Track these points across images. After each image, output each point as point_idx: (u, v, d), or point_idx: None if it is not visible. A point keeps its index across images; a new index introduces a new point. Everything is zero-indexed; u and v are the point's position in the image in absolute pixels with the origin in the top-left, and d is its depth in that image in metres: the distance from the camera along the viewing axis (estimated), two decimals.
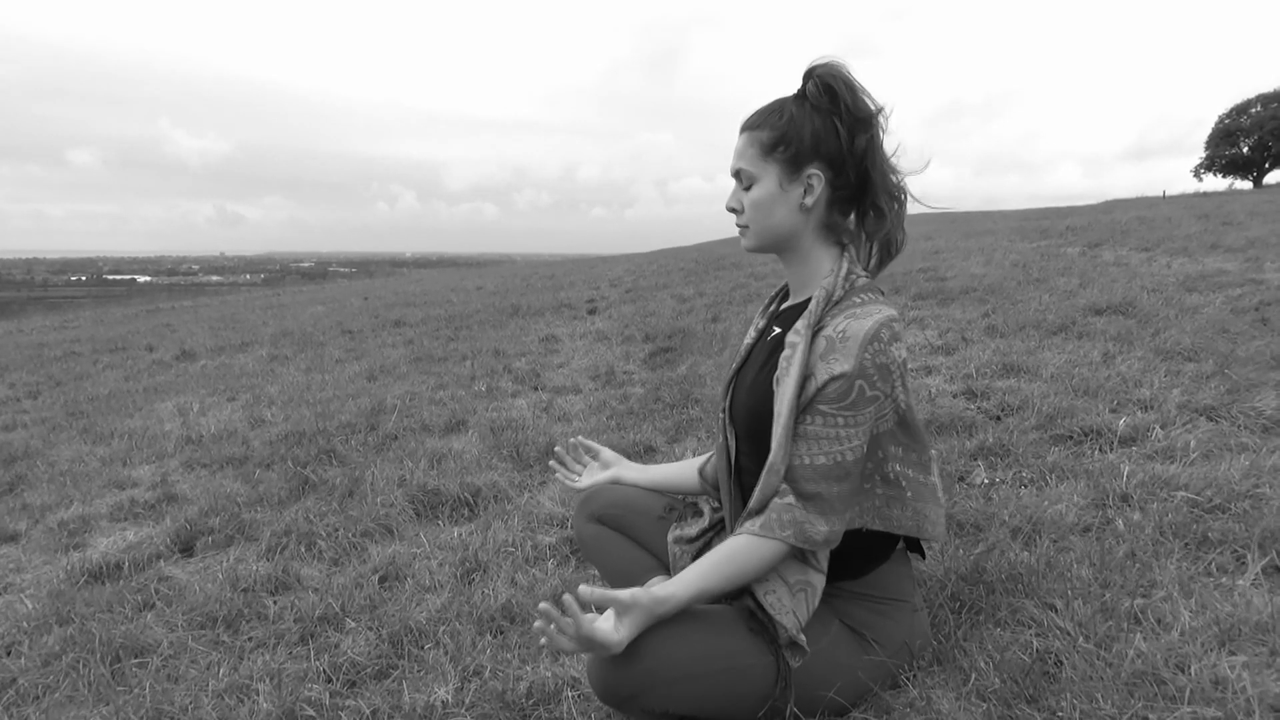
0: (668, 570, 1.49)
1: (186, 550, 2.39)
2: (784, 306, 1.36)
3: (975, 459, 2.29)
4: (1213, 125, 44.04)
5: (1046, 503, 1.89)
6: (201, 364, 6.14)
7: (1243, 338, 3.23)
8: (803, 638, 1.19)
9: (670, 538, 1.50)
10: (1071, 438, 2.35)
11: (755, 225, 1.27)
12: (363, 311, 8.94)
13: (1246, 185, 40.70)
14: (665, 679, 1.15)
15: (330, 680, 1.56)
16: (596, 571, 1.82)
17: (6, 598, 2.20)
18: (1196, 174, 45.29)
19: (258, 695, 1.51)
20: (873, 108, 1.21)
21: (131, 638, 1.79)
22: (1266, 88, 42.32)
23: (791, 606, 1.19)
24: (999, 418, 2.63)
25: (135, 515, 2.75)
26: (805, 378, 1.18)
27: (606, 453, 1.69)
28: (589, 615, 1.10)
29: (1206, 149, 44.47)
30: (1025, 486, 2.06)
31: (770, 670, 1.19)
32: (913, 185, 1.27)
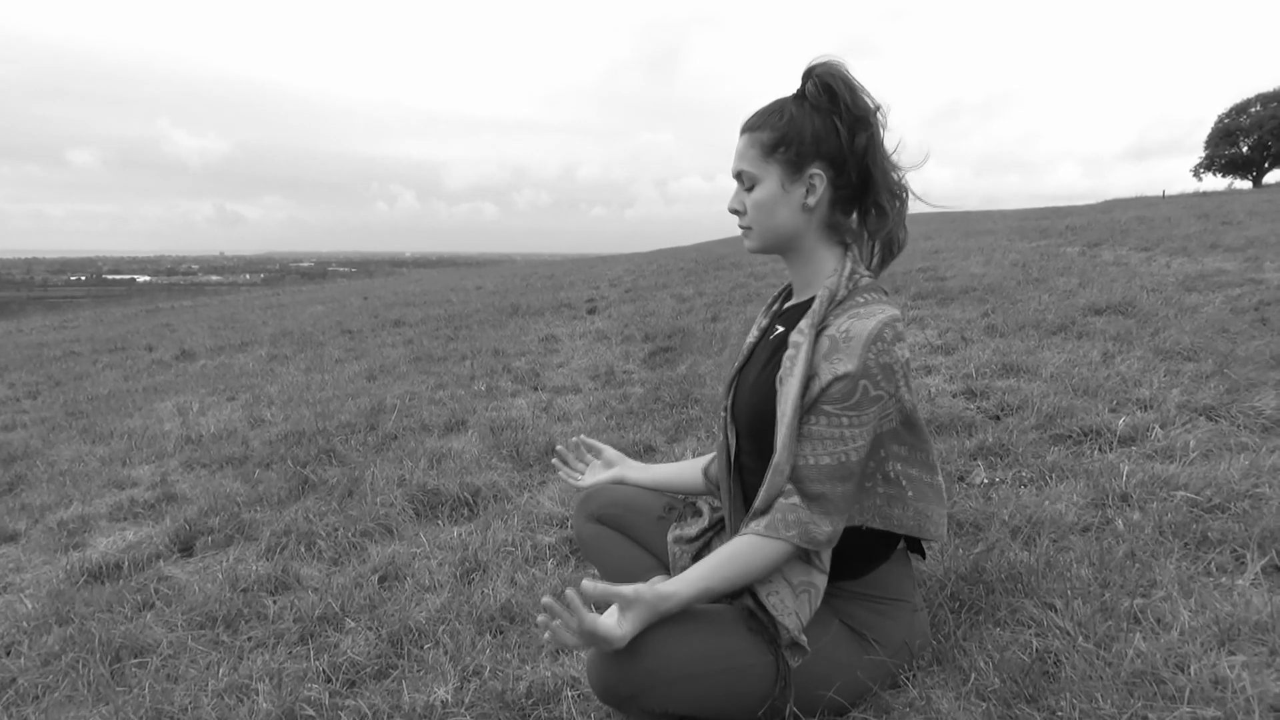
0: (667, 570, 1.49)
1: (186, 550, 2.39)
2: (787, 305, 1.37)
3: (975, 459, 2.29)
4: (1212, 125, 44.08)
5: (1046, 502, 1.89)
6: (201, 364, 6.14)
7: (1242, 337, 3.23)
8: (804, 638, 1.19)
9: (670, 537, 1.50)
10: (1071, 437, 2.35)
11: (758, 226, 1.27)
12: (362, 311, 8.94)
13: (1246, 185, 40.71)
14: (665, 679, 1.15)
15: (330, 680, 1.56)
16: (596, 571, 1.82)
17: (6, 597, 2.19)
18: (1196, 174, 45.31)
19: (257, 695, 1.51)
20: (872, 105, 1.21)
21: (131, 637, 1.79)
22: (1266, 87, 42.39)
23: (794, 608, 1.19)
24: (998, 417, 2.64)
25: (135, 515, 2.75)
26: (809, 378, 1.18)
27: (609, 451, 1.69)
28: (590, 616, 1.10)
29: (1206, 149, 44.49)
30: (1025, 486, 2.06)
31: (770, 670, 1.19)
32: (912, 185, 1.27)
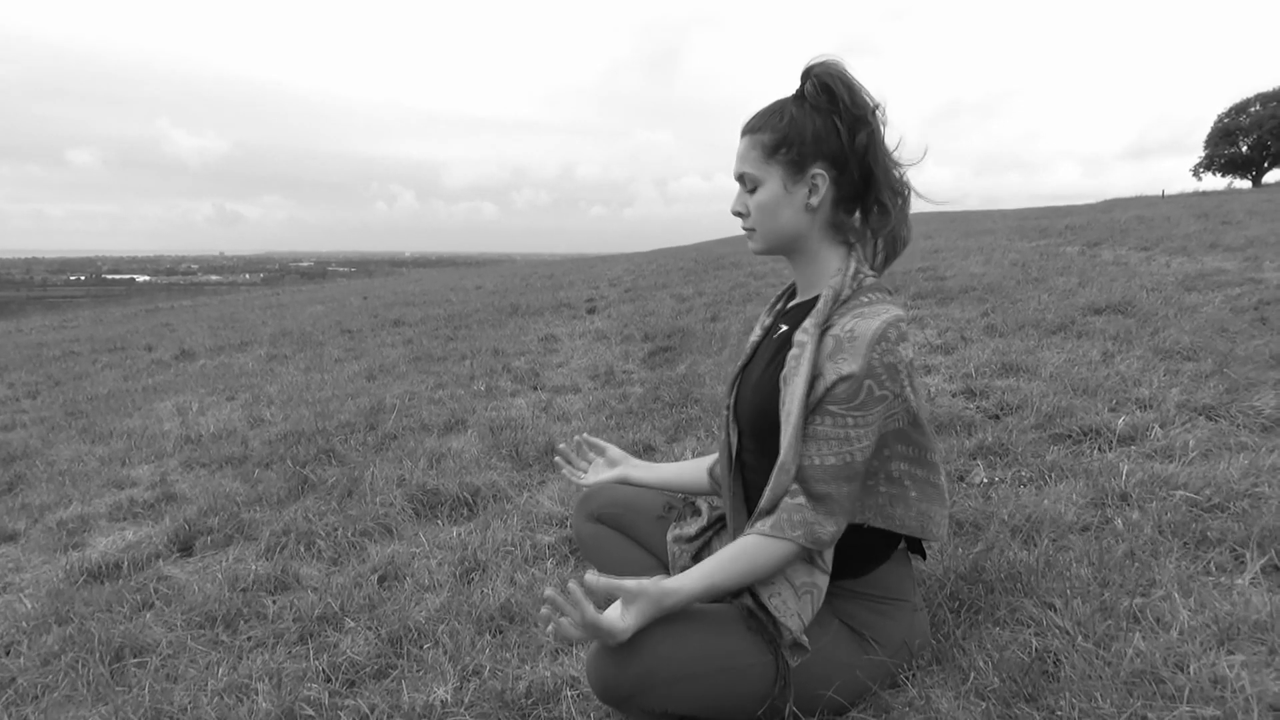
0: (667, 570, 1.49)
1: (185, 550, 2.39)
2: (791, 304, 1.37)
3: (974, 458, 2.29)
4: (1212, 124, 44.09)
5: (1045, 502, 1.89)
6: (200, 363, 6.13)
7: (1241, 337, 3.23)
8: (805, 639, 1.19)
9: (669, 537, 1.50)
10: (1070, 437, 2.35)
11: (762, 228, 1.27)
12: (362, 311, 8.94)
13: (1245, 184, 40.72)
14: (664, 678, 1.15)
15: (329, 680, 1.56)
16: (596, 570, 1.82)
17: (6, 597, 2.19)
18: (1195, 173, 45.32)
19: (257, 695, 1.51)
20: (870, 103, 1.21)
21: (130, 637, 1.79)
22: (1265, 87, 42.39)
23: (797, 609, 1.19)
24: (998, 417, 2.64)
25: (134, 515, 2.75)
26: (814, 377, 1.18)
27: (613, 450, 1.68)
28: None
29: (1205, 148, 44.50)
30: (1024, 486, 2.06)
31: (769, 669, 1.19)
32: (913, 184, 1.27)
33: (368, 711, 1.43)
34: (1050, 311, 4.11)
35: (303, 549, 2.24)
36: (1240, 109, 42.60)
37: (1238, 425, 2.27)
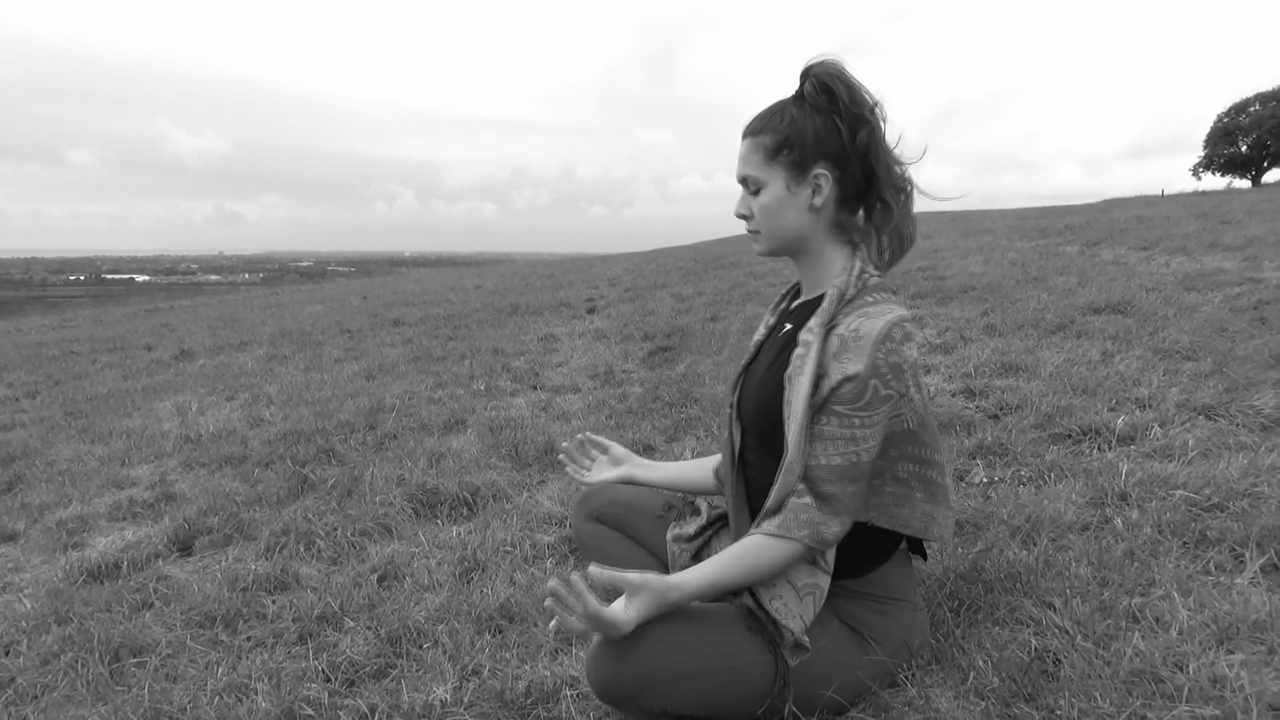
0: (666, 569, 1.49)
1: (185, 550, 2.39)
2: (795, 304, 1.37)
3: (974, 458, 2.29)
4: (1211, 124, 44.12)
5: (1045, 501, 1.89)
6: (200, 363, 6.13)
7: (1241, 336, 3.24)
8: (806, 639, 1.19)
9: (669, 536, 1.50)
10: (1070, 436, 2.35)
11: (766, 230, 1.27)
12: (361, 311, 8.94)
13: (1245, 184, 40.74)
14: (664, 678, 1.15)
15: (329, 679, 1.56)
16: None
17: (5, 597, 2.19)
18: (1195, 173, 45.36)
19: (256, 694, 1.51)
20: (870, 102, 1.21)
21: (130, 637, 1.79)
22: (1265, 86, 42.43)
23: (799, 611, 1.19)
24: (997, 416, 2.64)
25: (134, 515, 2.75)
26: (819, 376, 1.18)
27: (616, 448, 1.68)
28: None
29: (1205, 148, 44.53)
30: (1024, 485, 2.06)
31: (769, 669, 1.19)
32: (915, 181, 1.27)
33: (367, 711, 1.43)
34: (1050, 311, 4.11)
35: (302, 549, 2.23)
36: (1240, 109, 42.63)
37: (1237, 425, 2.27)
